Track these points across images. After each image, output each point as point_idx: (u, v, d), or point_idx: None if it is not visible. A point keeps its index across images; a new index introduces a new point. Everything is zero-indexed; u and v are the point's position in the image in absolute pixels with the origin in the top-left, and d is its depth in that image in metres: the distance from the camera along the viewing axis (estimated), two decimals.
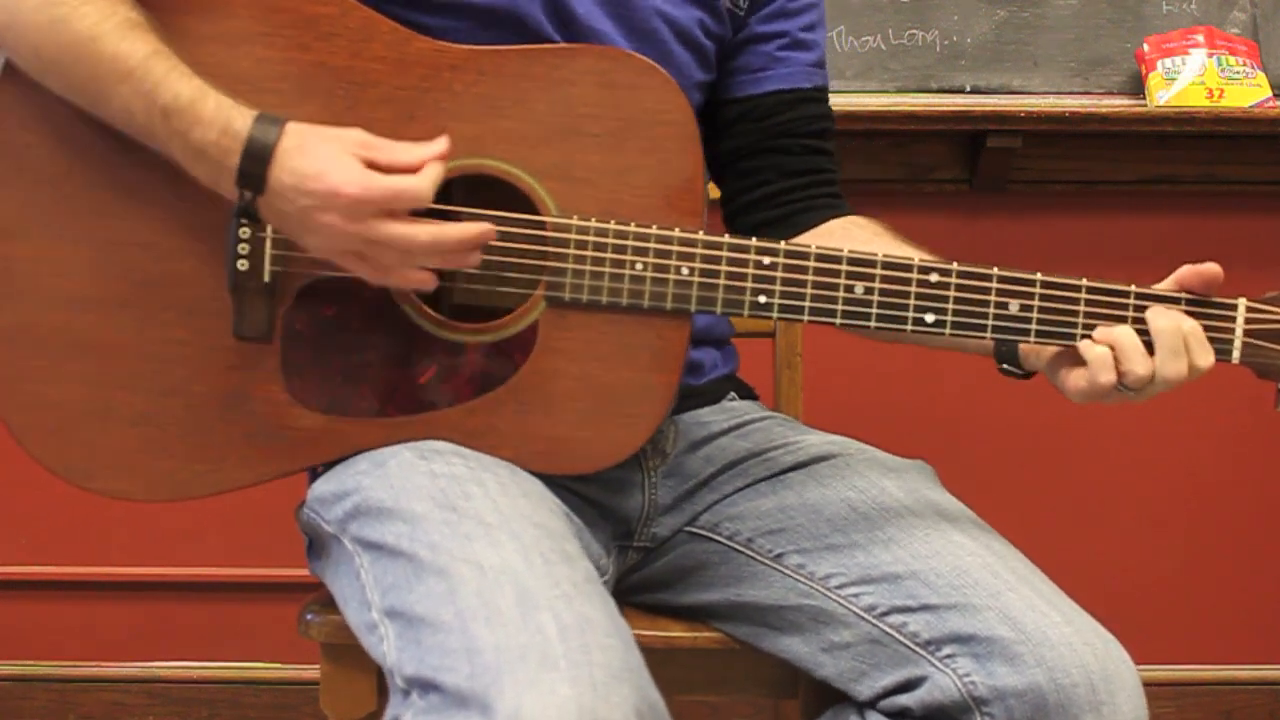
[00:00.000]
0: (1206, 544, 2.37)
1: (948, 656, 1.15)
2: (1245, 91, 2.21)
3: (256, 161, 1.11)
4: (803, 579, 1.25)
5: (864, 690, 1.20)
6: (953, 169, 2.28)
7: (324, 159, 1.11)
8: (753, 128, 1.41)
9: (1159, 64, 2.23)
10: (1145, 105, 2.24)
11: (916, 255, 1.20)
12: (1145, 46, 2.25)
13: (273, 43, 1.18)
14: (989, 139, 2.19)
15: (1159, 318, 1.15)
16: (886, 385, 2.32)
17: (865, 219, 1.40)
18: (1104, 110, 2.23)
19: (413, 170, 1.12)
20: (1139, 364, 1.14)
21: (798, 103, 1.41)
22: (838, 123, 1.46)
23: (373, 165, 1.11)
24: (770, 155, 1.41)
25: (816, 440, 1.36)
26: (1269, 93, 2.22)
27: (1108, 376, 1.14)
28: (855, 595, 1.21)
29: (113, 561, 2.31)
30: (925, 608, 1.17)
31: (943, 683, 1.14)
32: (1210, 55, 2.22)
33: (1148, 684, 1.14)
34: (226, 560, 2.32)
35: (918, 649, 1.17)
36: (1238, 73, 2.22)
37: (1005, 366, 1.25)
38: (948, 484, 1.33)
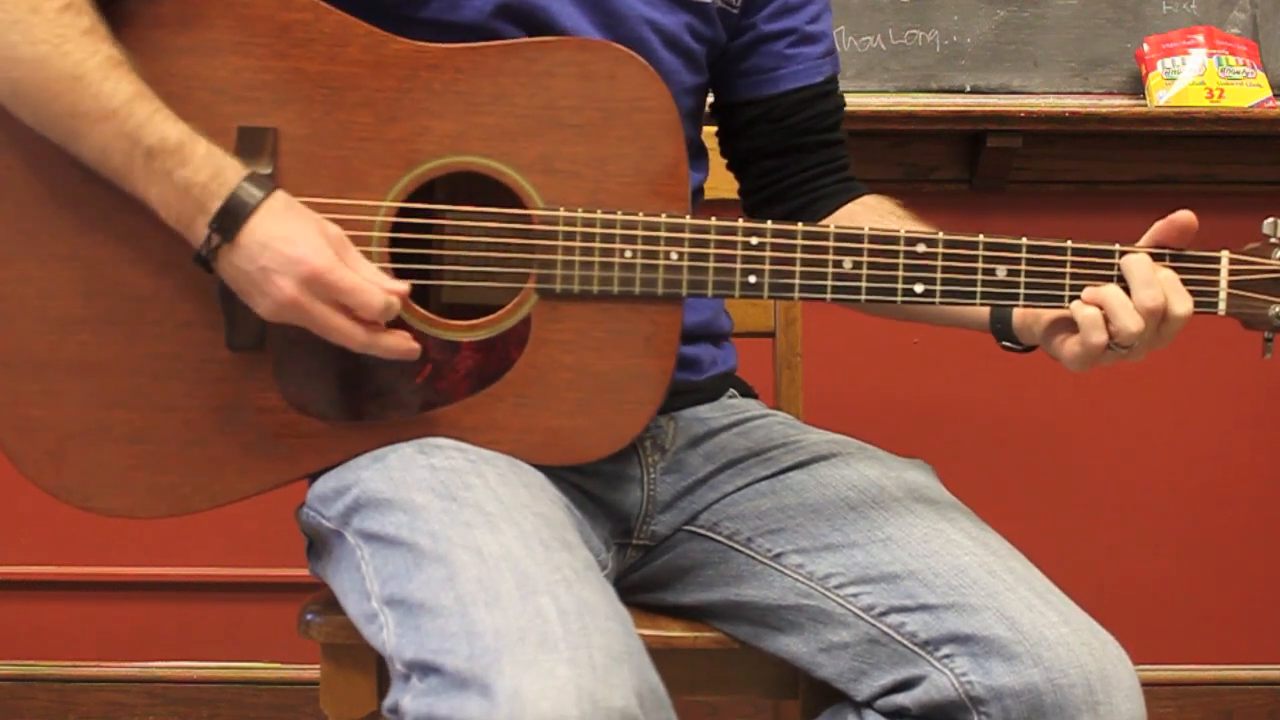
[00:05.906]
0: (1206, 543, 2.37)
1: (946, 656, 1.15)
2: (1245, 91, 2.21)
3: (237, 212, 1.11)
4: (802, 579, 1.25)
5: (863, 690, 1.20)
6: (953, 169, 2.28)
7: (300, 231, 1.11)
8: (771, 128, 1.43)
9: (1159, 64, 2.23)
10: (1145, 105, 2.23)
11: (904, 227, 1.21)
12: (1145, 46, 2.25)
13: (249, 51, 1.17)
14: (989, 139, 2.19)
15: (1128, 259, 1.17)
16: (886, 385, 2.32)
17: (875, 199, 1.43)
18: (1104, 110, 2.23)
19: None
20: (1129, 320, 1.15)
21: (813, 99, 1.43)
22: None
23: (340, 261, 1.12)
24: (789, 154, 1.44)
25: (817, 439, 1.36)
26: (1269, 93, 2.22)
27: (1099, 336, 1.16)
28: (854, 595, 1.21)
29: (113, 561, 2.31)
30: (923, 607, 1.17)
31: (940, 682, 1.14)
32: (1210, 55, 2.22)
33: (1148, 684, 1.14)
34: (226, 560, 2.31)
35: (916, 649, 1.17)
36: (1238, 73, 2.22)
37: (1005, 344, 1.26)
38: (947, 483, 1.33)
